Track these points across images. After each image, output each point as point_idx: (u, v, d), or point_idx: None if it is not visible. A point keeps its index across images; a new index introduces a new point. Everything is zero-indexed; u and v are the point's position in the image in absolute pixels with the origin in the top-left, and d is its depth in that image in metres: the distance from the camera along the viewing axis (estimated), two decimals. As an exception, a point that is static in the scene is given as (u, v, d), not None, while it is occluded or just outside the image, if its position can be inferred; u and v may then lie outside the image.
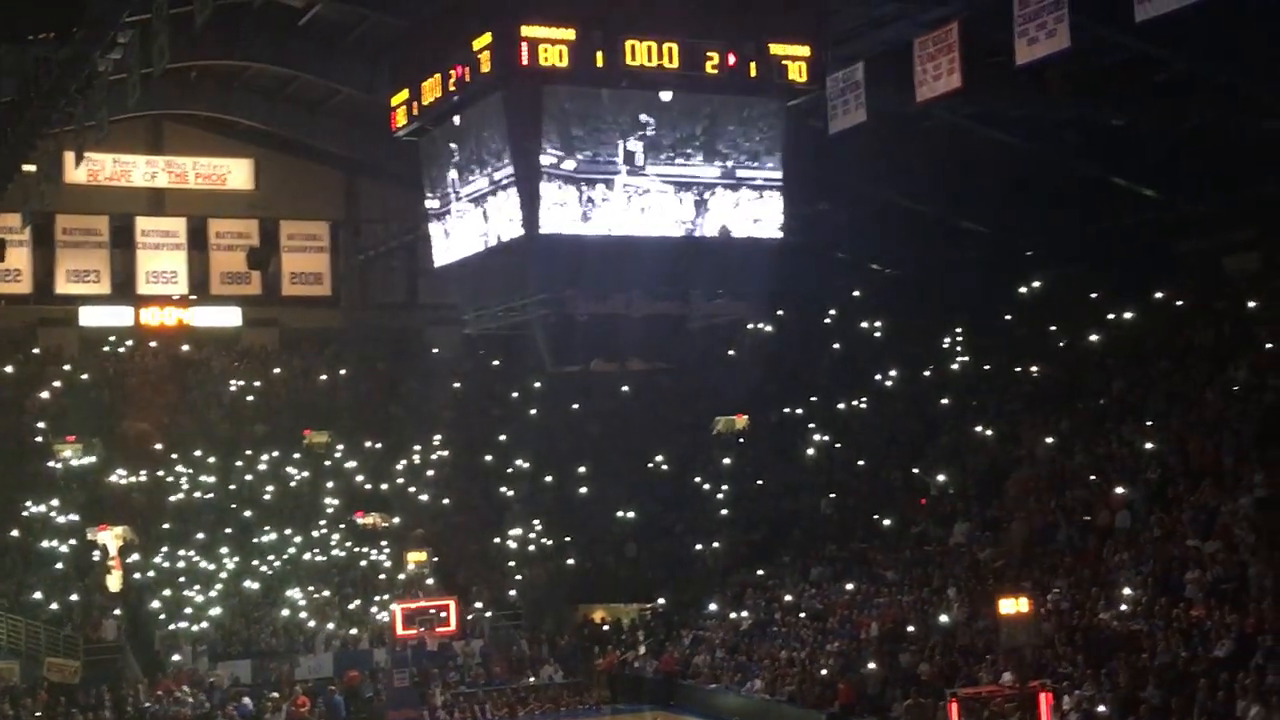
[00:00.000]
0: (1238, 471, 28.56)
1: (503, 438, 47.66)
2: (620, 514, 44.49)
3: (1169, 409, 32.45)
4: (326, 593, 39.76)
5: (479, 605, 40.70)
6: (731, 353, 47.29)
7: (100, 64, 24.26)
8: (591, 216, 27.80)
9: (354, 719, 35.10)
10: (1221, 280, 35.88)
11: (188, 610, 37.87)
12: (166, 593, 38.46)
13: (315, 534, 42.03)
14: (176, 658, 36.11)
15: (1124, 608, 27.24)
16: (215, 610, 38.14)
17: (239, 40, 40.97)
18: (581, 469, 46.37)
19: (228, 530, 41.39)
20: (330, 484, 44.33)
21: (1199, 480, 29.32)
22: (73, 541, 39.94)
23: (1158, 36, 26.97)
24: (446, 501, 44.88)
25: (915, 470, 38.01)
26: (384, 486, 44.97)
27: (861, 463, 40.63)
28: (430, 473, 45.70)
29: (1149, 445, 31.47)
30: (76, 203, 46.13)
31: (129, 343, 48.62)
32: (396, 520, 43.90)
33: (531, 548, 43.30)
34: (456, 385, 49.90)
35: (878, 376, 42.85)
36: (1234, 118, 31.17)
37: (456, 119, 29.37)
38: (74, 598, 37.53)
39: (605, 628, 41.90)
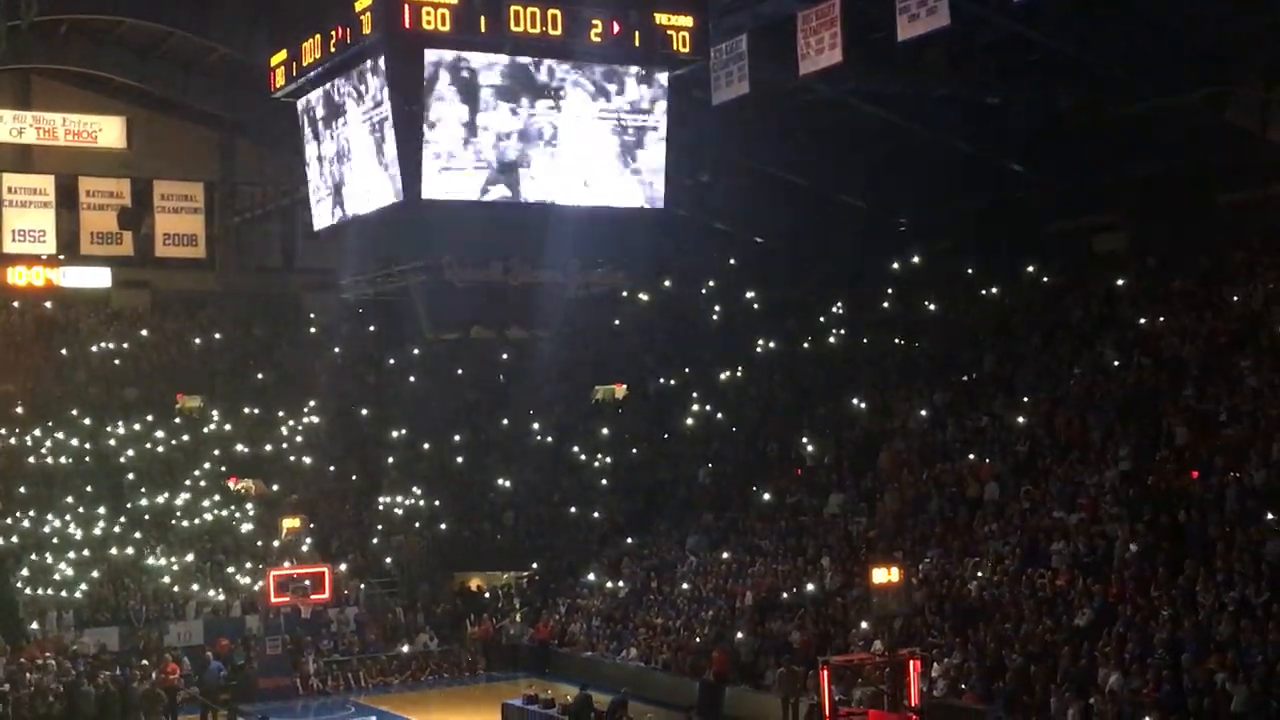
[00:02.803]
0: (1104, 446, 29.29)
1: (380, 404, 47.33)
2: (498, 482, 44.44)
3: (1038, 384, 33.16)
4: (195, 558, 39.20)
5: (351, 571, 40.42)
6: (616, 322, 47.39)
7: (-34, 15, 23.55)
8: (472, 182, 27.62)
9: (224, 686, 34.68)
10: (1090, 260, 36.71)
11: (54, 577, 37.11)
12: (31, 558, 37.64)
13: (187, 499, 41.39)
14: (35, 625, 35.34)
15: (991, 577, 27.86)
16: (80, 576, 37.40)
17: (112, -6, 40.03)
18: (459, 437, 46.23)
19: (96, 494, 40.60)
20: (204, 450, 43.65)
21: (1066, 454, 30.05)
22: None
23: (1032, 18, 27.53)
24: (319, 467, 44.45)
25: (791, 441, 38.43)
26: (260, 452, 44.41)
27: (738, 431, 40.97)
28: (305, 439, 45.23)
29: (1019, 419, 32.16)
30: (-62, 158, 44.85)
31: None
32: (272, 487, 43.38)
33: (405, 513, 43.06)
34: (334, 351, 49.41)
35: (756, 348, 43.23)
36: (1102, 101, 31.85)
37: (336, 81, 28.97)
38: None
39: (485, 595, 41.89)
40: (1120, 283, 34.54)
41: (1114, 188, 34.76)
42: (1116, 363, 31.65)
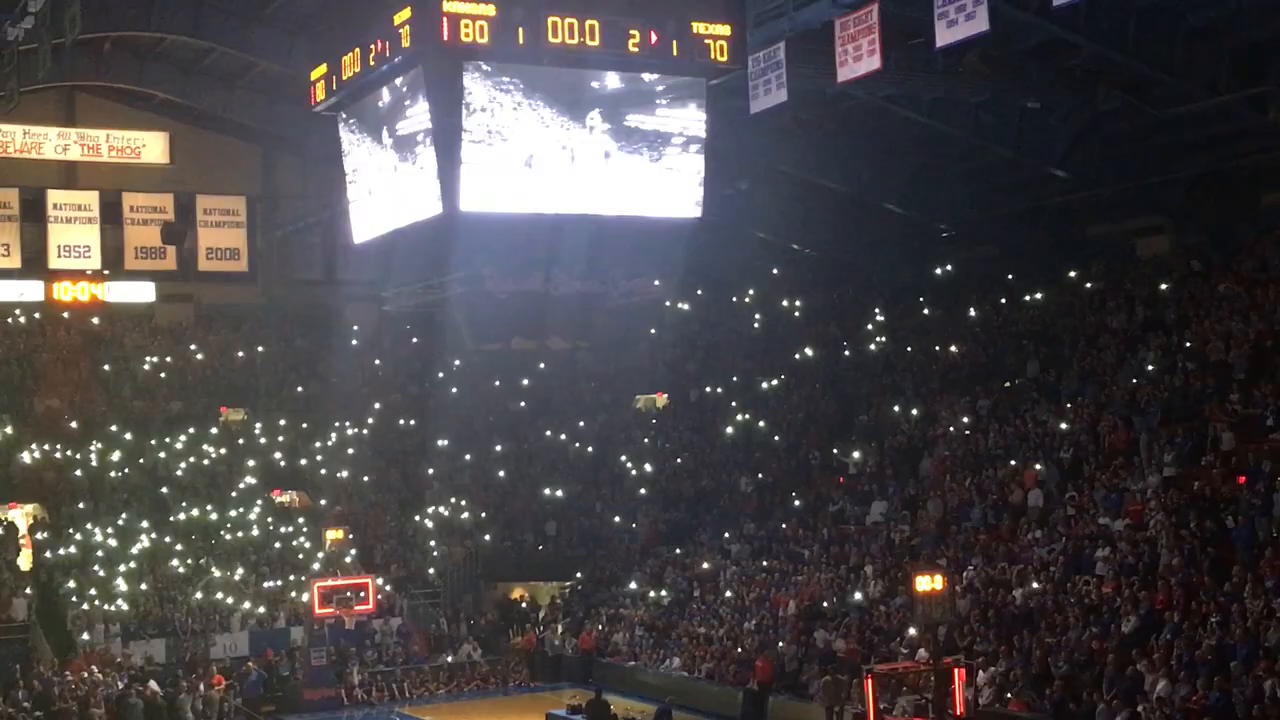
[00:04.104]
0: (1148, 451, 29.06)
1: (422, 416, 47.48)
2: (540, 492, 44.49)
3: (1081, 389, 32.94)
4: (243, 571, 39.42)
5: (397, 584, 40.55)
6: (653, 331, 47.42)
7: (10, 33, 23.84)
8: (511, 193, 27.69)
9: (270, 697, 34.85)
10: (1133, 263, 36.47)
11: (101, 590, 37.37)
12: (79, 572, 37.94)
13: (232, 512, 41.63)
14: (86, 637, 35.62)
15: (1036, 585, 27.68)
16: (128, 589, 37.65)
17: (154, 11, 40.28)
18: (501, 447, 46.32)
19: (142, 509, 40.90)
20: (248, 462, 43.93)
21: (1110, 459, 29.83)
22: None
23: (1072, 22, 27.37)
24: (365, 479, 44.66)
25: (833, 449, 38.31)
26: (302, 464, 44.68)
27: (780, 440, 40.88)
28: (348, 451, 45.44)
29: (1062, 425, 31.95)
30: (-14, 175, 45.31)
31: (36, 316, 47.75)
32: (314, 499, 43.59)
33: (448, 524, 43.15)
34: (376, 363, 49.61)
35: (796, 356, 43.15)
36: (1144, 103, 31.64)
37: (376, 94, 29.14)
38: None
39: (524, 605, 41.93)
40: (1164, 286, 34.29)
41: (1157, 190, 34.55)
42: (1160, 367, 31.41)
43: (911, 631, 27.78)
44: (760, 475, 40.10)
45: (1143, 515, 27.33)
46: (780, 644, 31.88)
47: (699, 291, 46.93)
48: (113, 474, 42.20)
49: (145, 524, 40.17)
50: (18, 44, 24.51)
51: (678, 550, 39.83)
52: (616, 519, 42.71)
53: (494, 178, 27.12)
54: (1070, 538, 28.35)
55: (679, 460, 43.58)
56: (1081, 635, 25.37)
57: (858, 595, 31.56)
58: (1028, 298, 37.95)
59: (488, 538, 43.01)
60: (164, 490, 41.94)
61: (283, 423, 45.83)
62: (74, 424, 43.66)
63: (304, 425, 46.03)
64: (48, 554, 38.77)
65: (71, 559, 38.48)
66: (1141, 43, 28.69)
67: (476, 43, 26.04)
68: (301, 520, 42.43)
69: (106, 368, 46.74)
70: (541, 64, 27.16)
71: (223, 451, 44.20)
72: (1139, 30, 28.38)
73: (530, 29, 26.21)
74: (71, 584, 37.46)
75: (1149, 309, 34.00)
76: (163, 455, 43.28)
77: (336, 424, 46.23)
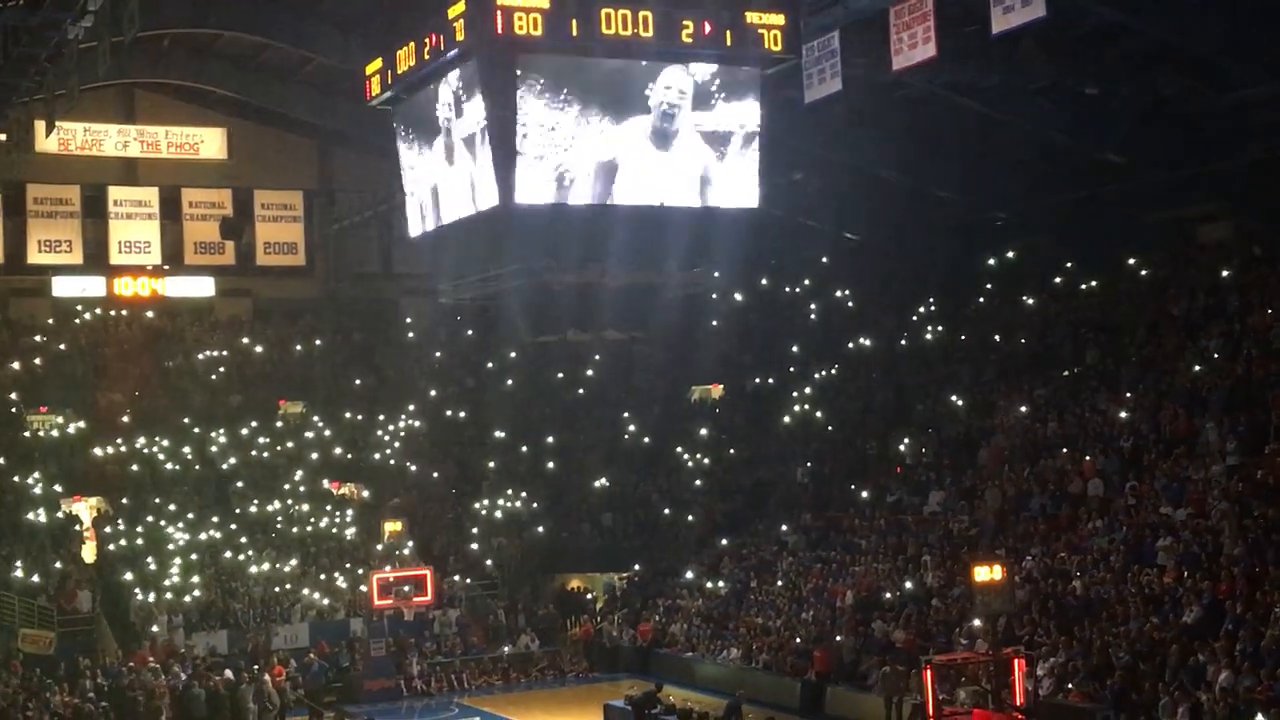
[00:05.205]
0: (1210, 440, 28.76)
1: (478, 407, 47.68)
2: (596, 483, 44.58)
3: (1142, 378, 32.64)
4: (295, 562, 39.74)
5: (455, 575, 40.77)
6: (713, 322, 47.36)
7: (70, 32, 24.08)
8: (567, 185, 27.73)
9: (331, 688, 35.14)
10: (1193, 250, 36.07)
11: (164, 582, 37.79)
12: (141, 564, 38.37)
13: (291, 504, 41.98)
14: (156, 629, 36.01)
15: (1097, 574, 27.46)
16: (191, 581, 38.06)
17: (211, 8, 40.66)
18: (557, 439, 46.43)
19: (203, 501, 41.33)
20: (306, 455, 44.28)
21: (1171, 448, 29.54)
22: (53, 512, 39.84)
23: (1130, 5, 27.10)
24: (419, 470, 44.88)
25: (890, 439, 38.16)
26: (360, 456, 44.99)
27: (836, 430, 40.76)
28: (406, 442, 45.70)
29: (1122, 414, 31.68)
30: (47, 172, 45.73)
31: (97, 311, 48.29)
32: (372, 491, 43.88)
33: (504, 515, 43.30)
34: (432, 355, 49.86)
35: (851, 345, 42.99)
36: (1204, 87, 31.27)
37: (431, 87, 29.25)
38: (58, 565, 37.45)
39: (589, 595, 42.05)
40: (1225, 273, 33.90)
41: (1217, 176, 34.12)
42: (1222, 354, 31.06)
43: (976, 623, 27.60)
44: (816, 465, 40.00)
45: (1205, 504, 27.06)
46: (838, 635, 31.81)
47: (756, 282, 46.82)
48: (174, 467, 42.66)
49: (207, 516, 40.59)
50: (78, 42, 24.76)
51: (733, 540, 39.81)
52: (672, 510, 42.69)
53: (548, 169, 27.16)
54: (1131, 527, 28.11)
55: (735, 451, 43.54)
56: (1143, 626, 25.16)
57: (914, 586, 31.41)
58: (1085, 286, 37.61)
59: (542, 529, 43.13)
60: (225, 484, 42.36)
61: (342, 416, 46.17)
62: (136, 418, 44.15)
63: (362, 418, 46.35)
64: (111, 546, 39.24)
65: (134, 551, 38.94)
66: (1201, 25, 28.38)
67: (530, 35, 26.04)
68: (360, 512, 42.71)
69: (168, 363, 47.21)
70: (595, 55, 27.14)
71: (284, 445, 44.57)
72: (1199, 13, 28.06)
73: (583, 21, 26.17)
74: (134, 576, 37.90)
75: (1210, 296, 33.63)
76: (223, 448, 43.71)
77: (394, 416, 46.50)
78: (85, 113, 41.34)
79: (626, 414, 46.87)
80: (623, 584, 41.81)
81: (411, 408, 46.85)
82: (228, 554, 39.53)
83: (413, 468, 44.95)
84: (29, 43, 25.13)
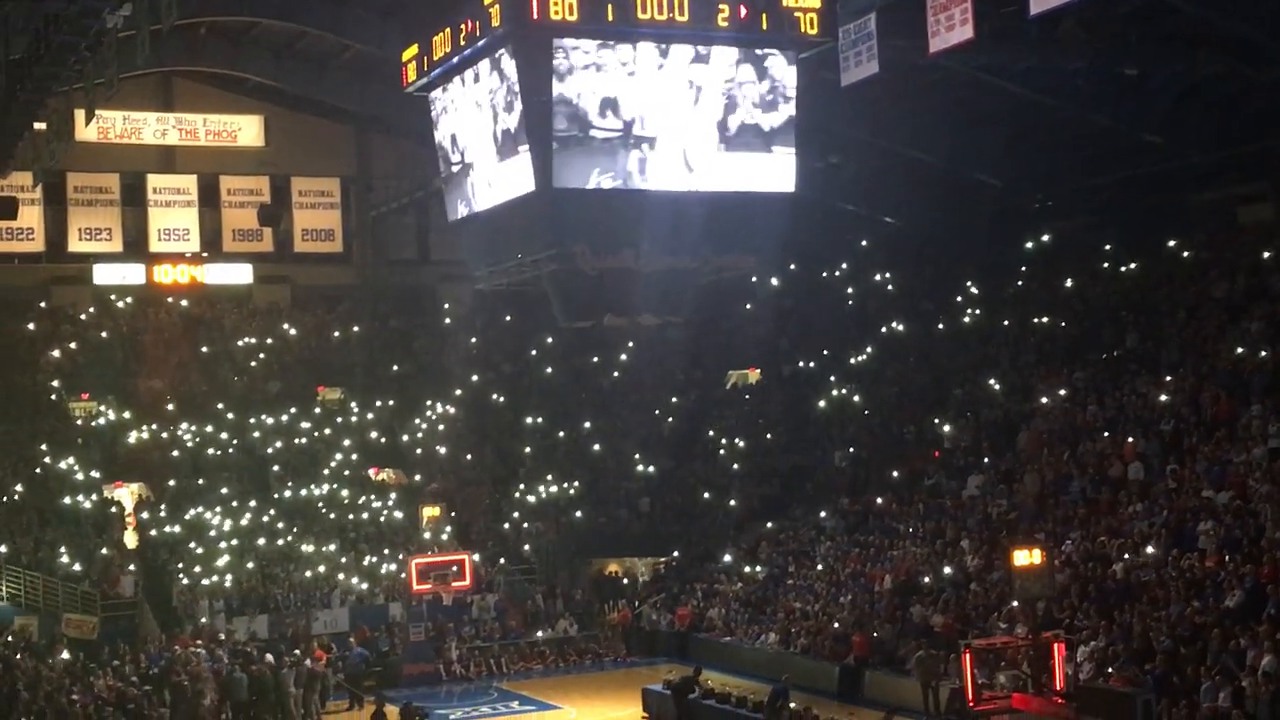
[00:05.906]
0: (1252, 423, 28.54)
1: (515, 393, 47.78)
2: (634, 468, 44.62)
3: (1182, 360, 32.41)
4: (334, 547, 39.95)
5: (493, 560, 40.90)
6: (749, 306, 47.29)
7: (109, 20, 24.20)
8: (603, 170, 27.76)
9: (369, 672, 35.32)
10: (1235, 231, 35.76)
11: (205, 567, 38.07)
12: (183, 549, 38.67)
13: (330, 490, 42.22)
14: (204, 620, 36.24)
15: (1137, 558, 27.30)
16: (230, 566, 38.33)
17: (247, -4, 40.92)
18: (594, 424, 46.48)
19: (243, 487, 41.62)
20: (345, 440, 44.52)
21: (1213, 431, 29.34)
22: (95, 498, 40.25)
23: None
24: (457, 456, 45.03)
25: (928, 423, 38.03)
26: (399, 442, 45.19)
27: (874, 414, 40.65)
28: (443, 428, 45.85)
29: (1163, 397, 31.46)
30: (87, 161, 45.98)
31: (132, 299, 48.61)
32: (414, 477, 44.06)
33: (542, 501, 43.39)
34: (469, 341, 50.00)
35: (887, 330, 42.85)
36: (1245, 67, 30.97)
37: (467, 73, 29.31)
38: (104, 551, 37.79)
39: (625, 581, 42.13)
40: (1267, 255, 33.59)
41: (1259, 156, 33.80)
42: (1264, 336, 30.79)
43: (1014, 604, 27.48)
44: (854, 450, 39.92)
45: (1246, 487, 26.86)
46: (876, 619, 31.76)
47: (791, 266, 46.71)
48: (214, 453, 42.95)
49: (247, 502, 40.87)
50: (116, 31, 24.90)
51: (771, 525, 39.78)
52: (709, 495, 42.68)
53: (585, 155, 27.21)
54: (1172, 511, 27.93)
55: (772, 436, 43.49)
56: (1184, 610, 25.00)
57: (952, 570, 31.30)
58: (1125, 268, 37.36)
59: (580, 514, 43.21)
60: (265, 470, 42.63)
61: (380, 402, 46.38)
62: (176, 404, 44.47)
63: (399, 404, 46.53)
64: (153, 532, 39.57)
65: (176, 537, 39.24)
66: (1242, 4, 28.10)
67: (565, 20, 26.13)
68: (397, 498, 42.91)
69: (206, 349, 47.51)
70: (631, 40, 27.16)
71: (327, 432, 44.80)
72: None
73: (619, 5, 26.24)
74: (176, 561, 38.19)
75: (1251, 277, 33.33)
76: (262, 434, 43.98)
77: (431, 402, 46.67)
78: (124, 101, 41.55)
79: (663, 399, 46.87)
80: (660, 569, 41.82)
81: (449, 394, 46.98)
82: (270, 540, 39.76)
83: (450, 453, 45.05)
84: (69, 32, 25.27)
